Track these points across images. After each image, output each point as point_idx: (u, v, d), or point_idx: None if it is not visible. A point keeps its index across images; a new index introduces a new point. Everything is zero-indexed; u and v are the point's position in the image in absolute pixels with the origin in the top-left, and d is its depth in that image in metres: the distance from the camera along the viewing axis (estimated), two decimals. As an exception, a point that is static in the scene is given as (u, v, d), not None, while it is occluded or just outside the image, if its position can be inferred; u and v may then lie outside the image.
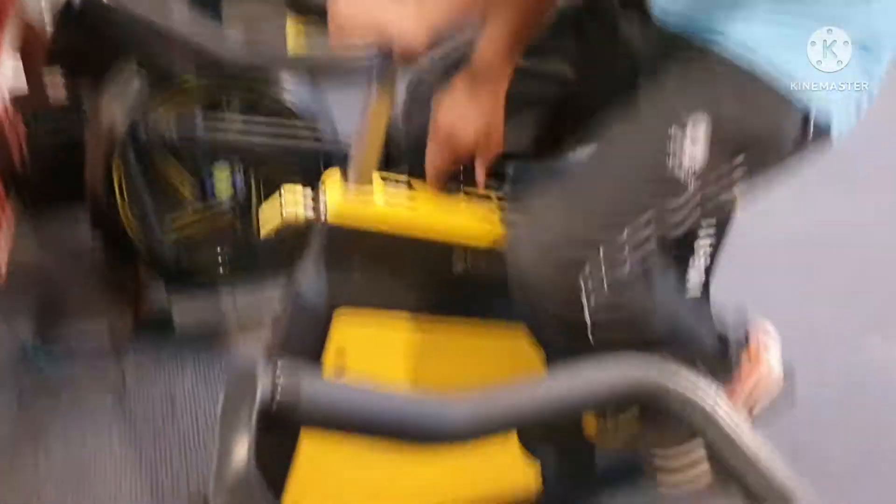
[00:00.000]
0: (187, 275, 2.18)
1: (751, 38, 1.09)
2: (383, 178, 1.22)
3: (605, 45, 1.28)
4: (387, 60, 0.94)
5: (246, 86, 1.94)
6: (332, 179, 1.19)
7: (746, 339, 1.38)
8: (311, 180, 2.17)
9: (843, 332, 2.25)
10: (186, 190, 2.12)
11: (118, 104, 1.94)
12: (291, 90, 1.98)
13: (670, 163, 1.08)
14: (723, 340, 1.35)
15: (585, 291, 1.09)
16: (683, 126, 1.08)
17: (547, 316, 1.14)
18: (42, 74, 2.84)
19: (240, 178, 2.14)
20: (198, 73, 1.43)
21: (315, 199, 1.20)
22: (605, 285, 1.10)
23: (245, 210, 2.19)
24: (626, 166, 1.12)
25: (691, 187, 1.10)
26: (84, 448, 1.80)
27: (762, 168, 1.14)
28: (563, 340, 1.17)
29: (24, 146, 2.62)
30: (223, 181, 2.13)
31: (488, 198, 1.28)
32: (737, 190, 1.15)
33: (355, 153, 1.18)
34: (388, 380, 1.30)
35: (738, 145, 1.09)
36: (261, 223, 1.24)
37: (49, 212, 2.55)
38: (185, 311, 2.23)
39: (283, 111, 1.99)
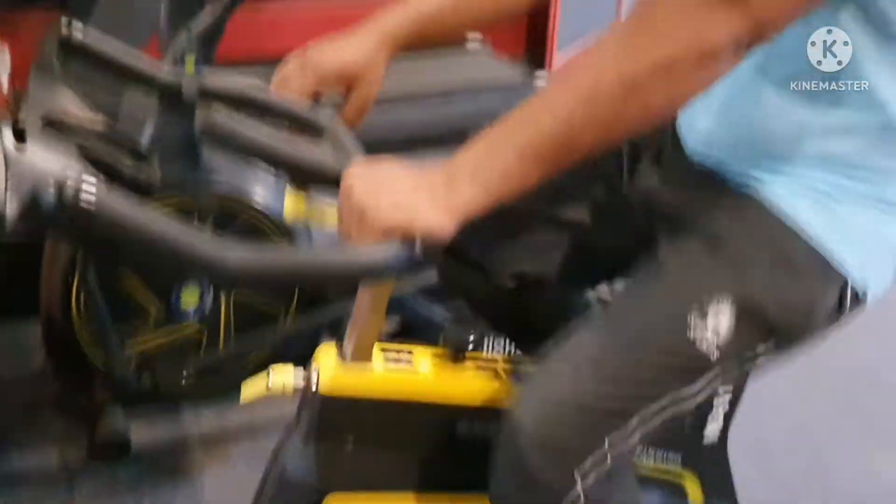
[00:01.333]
0: (148, 395, 2.01)
1: (790, 198, 1.00)
2: (384, 350, 1.09)
3: (615, 197, 1.20)
4: (405, 251, 0.80)
5: (221, 201, 1.82)
6: (325, 354, 1.06)
7: None
8: (285, 298, 2.06)
9: (846, 447, 2.15)
10: (150, 305, 1.96)
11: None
12: (270, 204, 1.85)
13: (690, 350, 1.00)
14: None
15: (577, 483, 1.02)
16: (706, 309, 1.00)
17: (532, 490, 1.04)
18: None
19: (208, 292, 1.98)
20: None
21: (307, 374, 1.06)
22: (598, 476, 1.03)
23: (213, 324, 2.04)
24: (642, 350, 1.03)
25: (712, 371, 1.03)
26: None
27: (792, 344, 1.06)
28: None
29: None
30: (190, 295, 1.98)
31: (494, 361, 1.19)
32: (762, 364, 1.08)
33: (353, 327, 1.05)
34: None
35: (768, 326, 1.02)
36: (242, 394, 1.10)
37: (-2, 321, 2.37)
38: (145, 434, 2.04)
39: (259, 226, 1.86)
